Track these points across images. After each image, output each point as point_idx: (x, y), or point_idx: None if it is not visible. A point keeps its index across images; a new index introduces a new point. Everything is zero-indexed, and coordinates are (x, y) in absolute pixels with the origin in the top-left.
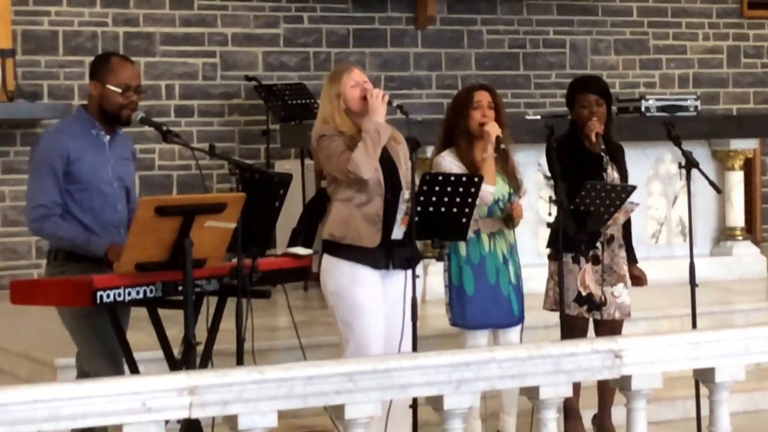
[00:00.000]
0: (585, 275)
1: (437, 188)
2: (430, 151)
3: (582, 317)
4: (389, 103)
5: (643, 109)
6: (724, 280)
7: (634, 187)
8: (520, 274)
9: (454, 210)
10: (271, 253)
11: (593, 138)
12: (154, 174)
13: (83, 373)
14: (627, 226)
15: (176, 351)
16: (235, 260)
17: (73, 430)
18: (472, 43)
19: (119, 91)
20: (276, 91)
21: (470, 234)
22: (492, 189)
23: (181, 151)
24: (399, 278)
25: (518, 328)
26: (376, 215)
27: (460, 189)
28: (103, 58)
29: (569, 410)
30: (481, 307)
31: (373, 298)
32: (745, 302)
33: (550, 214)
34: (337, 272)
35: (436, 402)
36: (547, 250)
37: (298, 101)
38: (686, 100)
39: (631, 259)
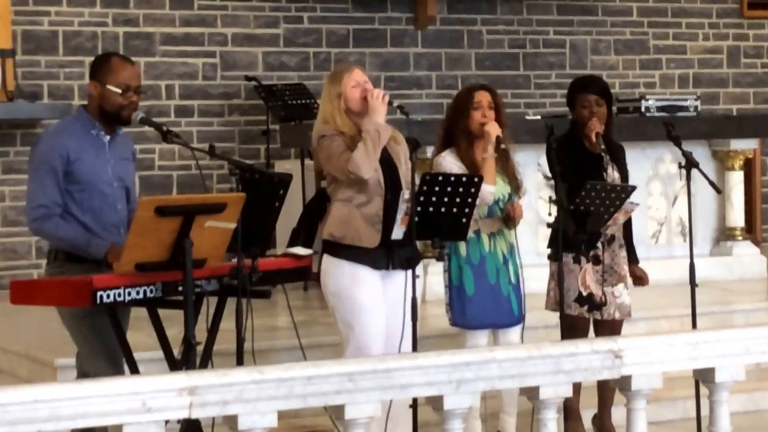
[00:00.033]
0: (586, 275)
1: (437, 188)
2: (430, 151)
3: (583, 317)
4: (389, 103)
5: (643, 109)
6: (724, 280)
7: (634, 187)
8: (519, 274)
9: (454, 210)
10: (271, 254)
11: (593, 138)
12: (154, 174)
13: (83, 373)
14: (628, 226)
15: (176, 351)
16: (235, 260)
17: (73, 430)
18: (472, 43)
19: (119, 91)
20: (276, 91)
21: (470, 234)
22: (492, 189)
23: (181, 151)
24: (399, 278)
25: (518, 328)
26: (376, 215)
27: (460, 189)
28: (104, 58)
29: (569, 410)
30: (481, 307)
31: (373, 299)
32: (745, 302)
33: (550, 214)
34: (338, 272)
35: (436, 402)
36: (547, 251)
37: (298, 101)
38: (686, 100)
39: (633, 259)
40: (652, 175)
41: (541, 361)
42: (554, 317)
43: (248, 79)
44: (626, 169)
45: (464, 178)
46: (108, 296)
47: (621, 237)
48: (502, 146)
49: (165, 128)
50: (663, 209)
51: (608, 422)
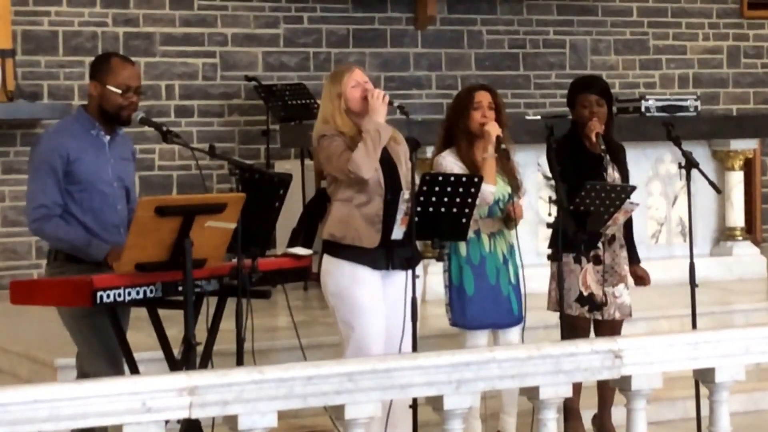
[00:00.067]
0: (586, 275)
1: (437, 188)
2: (430, 151)
3: (583, 317)
4: (390, 103)
5: (643, 109)
6: (724, 280)
7: (633, 188)
8: (519, 274)
9: (454, 210)
10: (271, 254)
11: (594, 138)
12: (154, 174)
13: (83, 374)
14: (629, 226)
15: (176, 351)
16: (235, 260)
17: (73, 430)
18: (472, 43)
19: (119, 91)
20: (276, 91)
21: (470, 234)
22: (493, 189)
23: (181, 152)
24: (399, 278)
25: (518, 328)
26: (376, 215)
27: (460, 189)
28: (104, 58)
29: (569, 410)
30: (481, 307)
31: (374, 299)
32: (745, 302)
33: (550, 215)
34: (338, 272)
35: (436, 402)
36: (547, 251)
37: (298, 101)
38: (686, 100)
39: (634, 259)
40: (652, 175)
41: (541, 361)
42: (554, 317)
43: (248, 79)
44: (627, 170)
45: (464, 178)
46: (108, 296)
47: (622, 237)
48: (503, 146)
49: (165, 128)
50: (663, 209)
51: (608, 422)
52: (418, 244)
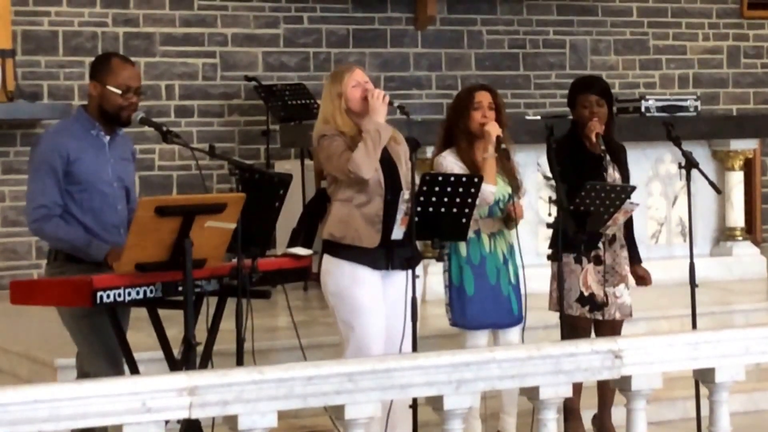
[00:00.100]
0: (587, 275)
1: (437, 188)
2: (430, 151)
3: (584, 317)
4: (390, 103)
5: (643, 109)
6: (724, 281)
7: (633, 188)
8: (519, 274)
9: (454, 210)
10: (271, 254)
11: (594, 138)
12: (154, 174)
13: (83, 374)
14: (630, 227)
15: (176, 351)
16: (235, 260)
17: (73, 430)
18: (472, 43)
19: (119, 92)
20: (276, 91)
21: (470, 234)
22: (493, 189)
23: (181, 152)
24: (399, 278)
25: (518, 328)
26: (376, 215)
27: (460, 189)
28: (104, 58)
29: (569, 410)
30: (482, 307)
31: (374, 299)
32: (745, 302)
33: (550, 215)
34: (338, 272)
35: (436, 402)
36: (547, 251)
37: (298, 101)
38: (686, 100)
39: (635, 259)
40: (652, 175)
41: (541, 361)
42: (554, 317)
43: (248, 79)
44: (627, 170)
45: (464, 178)
46: (108, 296)
47: (622, 237)
48: (503, 146)
49: (165, 128)
50: (663, 209)
51: (608, 422)
52: (418, 244)
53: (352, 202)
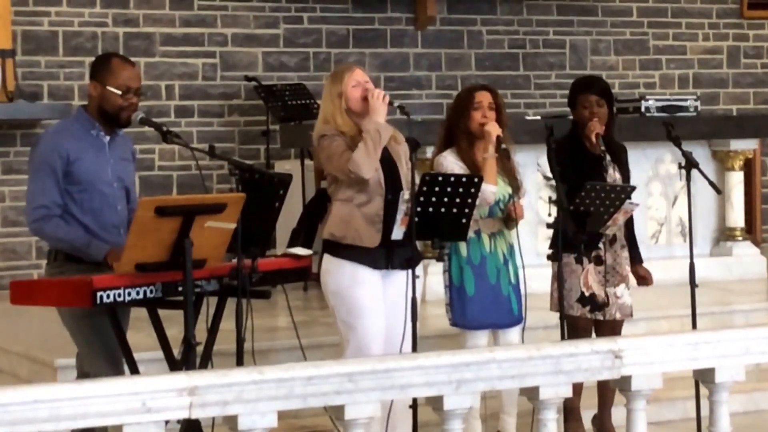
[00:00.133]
0: (588, 276)
1: (437, 188)
2: (430, 151)
3: (585, 318)
4: (390, 103)
5: (642, 109)
6: (724, 281)
7: (633, 188)
8: (519, 274)
9: (454, 210)
10: (270, 254)
11: (593, 139)
12: (154, 174)
13: (83, 374)
14: (630, 227)
15: (176, 351)
16: (235, 260)
17: (73, 430)
18: (472, 43)
19: (119, 93)
20: (276, 91)
21: (471, 234)
22: (494, 189)
23: (181, 152)
24: (399, 278)
25: (518, 328)
26: (376, 215)
27: (460, 189)
28: (104, 58)
29: (569, 411)
30: (482, 307)
31: (374, 299)
32: (745, 303)
33: (549, 215)
34: (338, 272)
35: (436, 402)
36: (547, 251)
37: (298, 102)
38: (686, 100)
39: (637, 259)
40: (652, 175)
41: (541, 361)
42: (554, 317)
43: (248, 79)
44: (628, 170)
45: (464, 179)
46: (108, 296)
47: (623, 237)
48: (503, 146)
49: (165, 128)
50: (663, 209)
51: (608, 422)
52: (418, 244)
53: (353, 201)
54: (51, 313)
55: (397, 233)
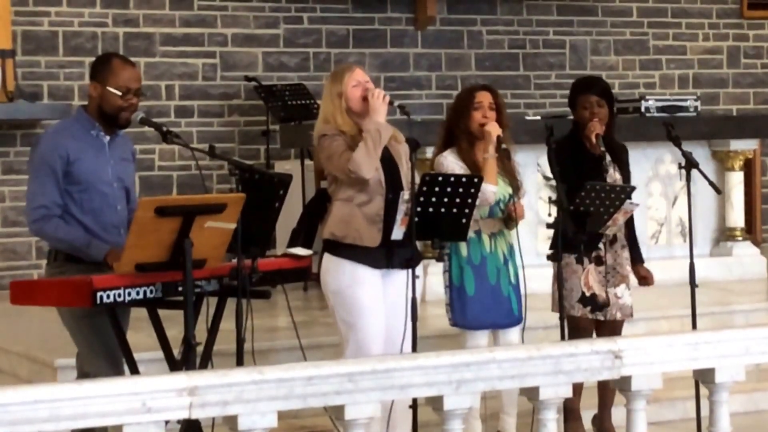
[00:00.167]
0: (588, 276)
1: (437, 188)
2: (430, 151)
3: (586, 318)
4: (390, 103)
5: (642, 109)
6: (724, 281)
7: (633, 188)
8: (519, 274)
9: (454, 210)
10: (270, 254)
11: (593, 139)
12: (154, 174)
13: (83, 374)
14: (631, 227)
15: (176, 351)
16: (234, 261)
17: (73, 430)
18: (472, 43)
19: (119, 93)
20: (276, 91)
21: (471, 234)
22: (494, 189)
23: (181, 152)
24: (399, 278)
25: (518, 328)
26: (377, 215)
27: (460, 189)
28: (104, 59)
29: (569, 411)
30: (482, 307)
31: (374, 298)
32: (745, 303)
33: (549, 215)
34: (338, 271)
35: (436, 402)
36: (547, 251)
37: (298, 102)
38: (686, 100)
39: (638, 259)
40: (652, 175)
41: (541, 361)
42: (554, 317)
43: (248, 79)
44: (629, 171)
45: (464, 179)
46: (108, 297)
47: (623, 238)
48: (503, 146)
49: (165, 129)
50: (663, 210)
51: (608, 423)
52: (418, 244)
53: (353, 201)
54: (51, 313)
55: (397, 233)
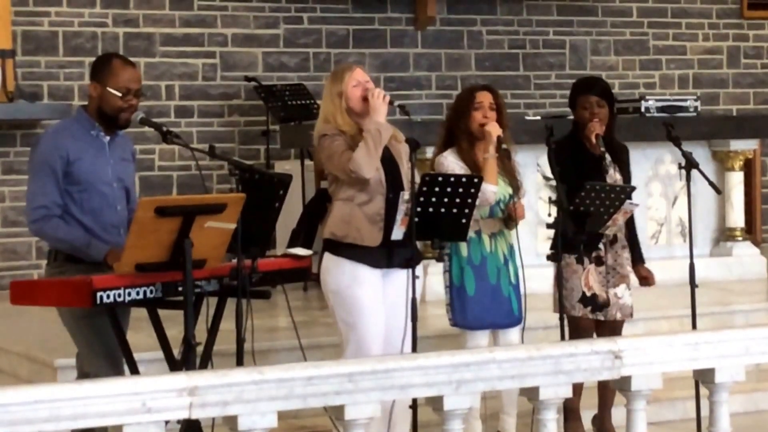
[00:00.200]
0: (588, 276)
1: (437, 189)
2: (429, 151)
3: (587, 318)
4: (390, 102)
5: (642, 109)
6: (724, 281)
7: (633, 188)
8: (519, 274)
9: (454, 210)
10: (270, 254)
11: (593, 139)
12: (154, 174)
13: (83, 374)
14: (632, 227)
15: (176, 351)
16: (234, 261)
17: (73, 430)
18: (472, 43)
19: (119, 94)
20: (276, 91)
21: (471, 234)
22: (495, 189)
23: (181, 152)
24: (399, 278)
25: (518, 328)
26: (377, 214)
27: (460, 189)
28: (105, 59)
29: (569, 411)
30: (482, 307)
31: (373, 298)
32: (745, 303)
33: (549, 215)
34: (338, 271)
35: (436, 402)
36: (547, 252)
37: (298, 102)
38: (686, 100)
39: (639, 259)
40: (651, 175)
41: (541, 361)
42: (553, 317)
43: (248, 79)
44: (629, 170)
45: (464, 179)
46: (108, 297)
47: (624, 238)
48: (504, 146)
49: (165, 129)
50: (663, 210)
51: (608, 423)
52: (418, 244)
53: (354, 201)
54: (51, 313)
55: (397, 233)
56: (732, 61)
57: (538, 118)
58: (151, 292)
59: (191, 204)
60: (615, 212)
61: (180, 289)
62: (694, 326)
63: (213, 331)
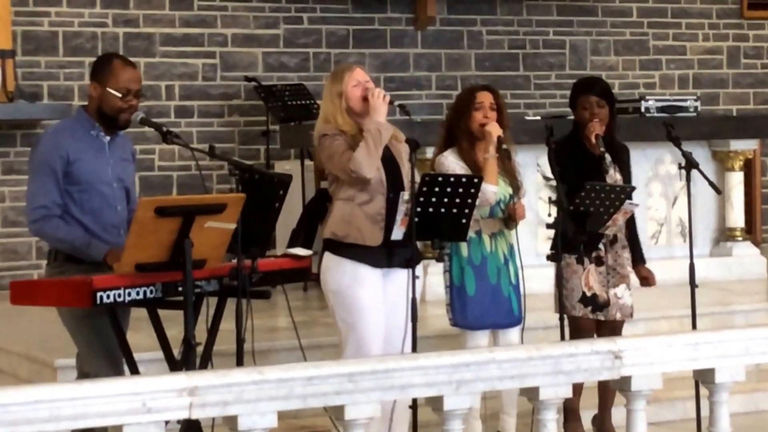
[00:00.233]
0: (589, 276)
1: (437, 189)
2: (430, 151)
3: (587, 318)
4: (390, 102)
5: (642, 109)
6: (724, 281)
7: (633, 188)
8: (519, 274)
9: (454, 210)
10: (270, 254)
11: (593, 140)
12: (154, 174)
13: (83, 374)
14: (633, 227)
15: (176, 351)
16: (234, 261)
17: (73, 430)
18: (472, 43)
19: (119, 95)
20: (276, 91)
21: (471, 234)
22: (495, 189)
23: (180, 152)
24: (399, 278)
25: (518, 328)
26: (378, 214)
27: (460, 190)
28: (105, 59)
29: (569, 411)
30: (482, 307)
31: (374, 298)
32: (745, 303)
33: (549, 215)
34: (339, 271)
35: (436, 403)
36: (547, 252)
37: (298, 102)
38: (686, 100)
39: (639, 259)
40: (651, 175)
41: (541, 361)
42: (554, 318)
43: (248, 79)
44: (629, 171)
45: (464, 179)
46: (108, 297)
47: (624, 238)
48: (504, 146)
49: (165, 129)
50: (663, 210)
51: (608, 423)
52: (418, 244)
53: (354, 200)
54: (51, 313)
55: (397, 234)
56: (732, 61)
57: (538, 118)
58: (151, 292)
59: (191, 204)
60: (615, 212)
61: (180, 289)
62: (694, 326)
63: (213, 331)
